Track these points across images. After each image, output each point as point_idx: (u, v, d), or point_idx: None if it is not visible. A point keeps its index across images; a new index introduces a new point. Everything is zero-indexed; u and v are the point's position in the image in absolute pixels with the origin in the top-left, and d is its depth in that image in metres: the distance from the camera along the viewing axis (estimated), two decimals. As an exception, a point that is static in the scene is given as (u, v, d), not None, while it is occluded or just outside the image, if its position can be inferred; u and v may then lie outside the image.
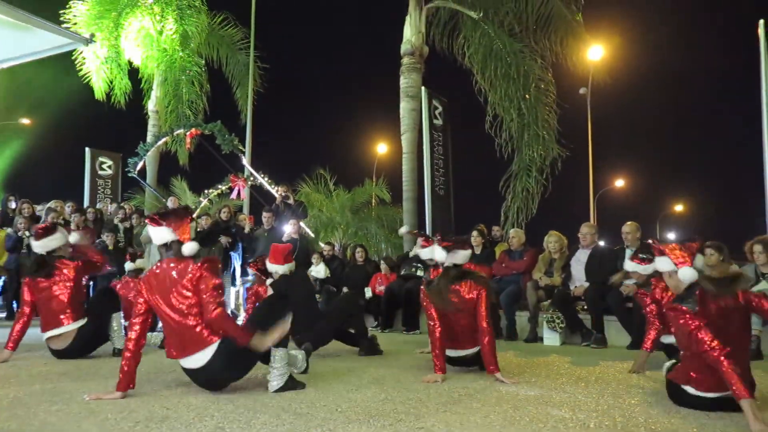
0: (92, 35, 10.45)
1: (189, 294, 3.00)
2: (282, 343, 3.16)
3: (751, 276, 5.39)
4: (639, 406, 2.92)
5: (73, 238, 4.55)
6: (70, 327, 4.23)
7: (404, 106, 11.40)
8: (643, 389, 3.36)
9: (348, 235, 17.04)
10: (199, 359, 3.00)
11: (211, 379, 3.09)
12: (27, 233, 7.73)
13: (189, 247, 3.10)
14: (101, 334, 4.47)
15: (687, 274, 2.82)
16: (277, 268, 4.82)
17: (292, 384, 3.19)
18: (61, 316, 4.23)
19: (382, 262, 8.71)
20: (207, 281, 3.01)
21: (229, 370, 3.10)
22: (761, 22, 7.17)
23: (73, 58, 14.06)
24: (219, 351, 2.99)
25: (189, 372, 3.11)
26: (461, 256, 3.83)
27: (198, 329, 2.99)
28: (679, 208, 33.95)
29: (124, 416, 2.56)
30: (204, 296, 3.00)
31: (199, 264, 3.05)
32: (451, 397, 3.06)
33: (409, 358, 4.63)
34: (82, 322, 4.29)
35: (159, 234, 3.12)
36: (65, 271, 4.29)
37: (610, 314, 5.70)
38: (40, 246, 4.34)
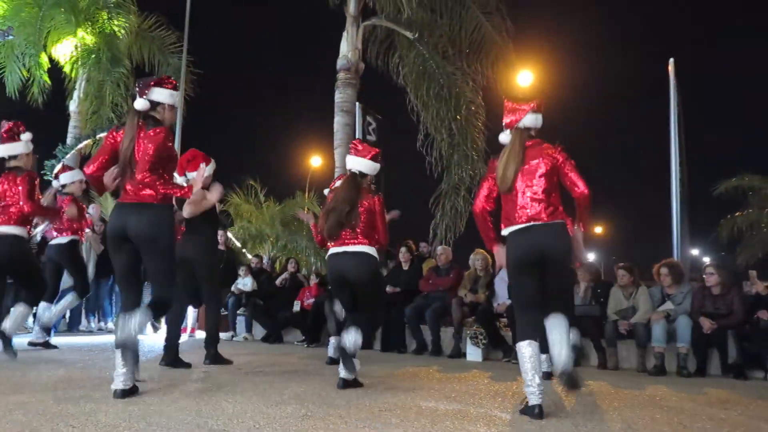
0: (10, 28, 9.88)
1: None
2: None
3: (658, 296, 5.77)
4: (550, 419, 3.04)
5: None
6: None
7: (338, 120, 11.39)
8: (556, 405, 3.51)
9: (277, 248, 16.80)
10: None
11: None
12: None
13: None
14: None
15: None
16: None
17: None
18: None
19: (312, 275, 8.65)
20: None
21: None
22: (671, 60, 7.74)
23: (-14, 51, 13.17)
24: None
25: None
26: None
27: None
28: (598, 230, 35.74)
29: (23, 436, 2.40)
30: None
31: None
32: (371, 413, 3.08)
33: (333, 374, 4.60)
34: None
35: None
36: None
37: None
38: None
